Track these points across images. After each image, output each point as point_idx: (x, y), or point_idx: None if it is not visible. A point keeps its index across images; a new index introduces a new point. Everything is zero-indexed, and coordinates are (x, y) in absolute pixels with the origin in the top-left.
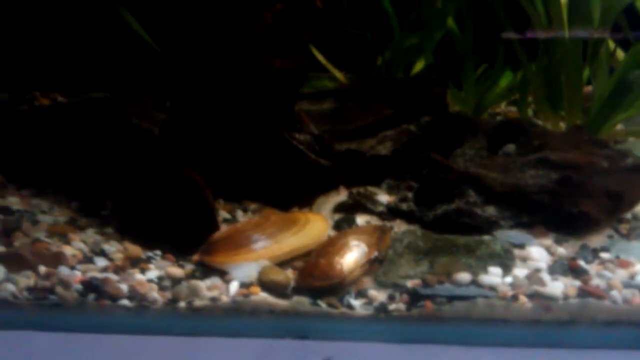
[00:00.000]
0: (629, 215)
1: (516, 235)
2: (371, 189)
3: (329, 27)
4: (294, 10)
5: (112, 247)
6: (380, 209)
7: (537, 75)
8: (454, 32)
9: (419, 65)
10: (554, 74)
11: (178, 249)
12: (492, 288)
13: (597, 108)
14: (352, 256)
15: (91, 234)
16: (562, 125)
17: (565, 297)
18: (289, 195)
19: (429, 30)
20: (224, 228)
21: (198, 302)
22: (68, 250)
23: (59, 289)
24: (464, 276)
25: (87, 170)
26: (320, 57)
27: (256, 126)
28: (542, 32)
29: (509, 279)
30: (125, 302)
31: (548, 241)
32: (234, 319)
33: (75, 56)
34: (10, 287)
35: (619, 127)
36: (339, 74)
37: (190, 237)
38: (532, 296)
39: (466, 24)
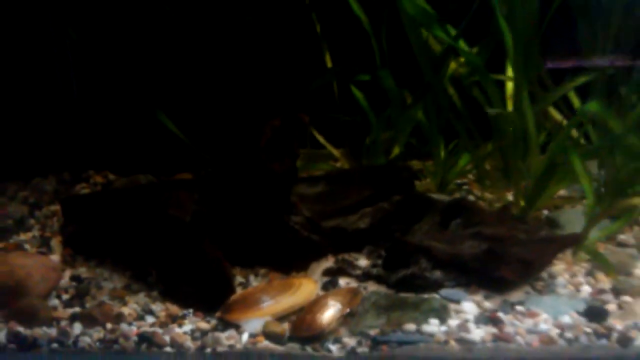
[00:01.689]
0: (545, 275)
1: (455, 293)
2: (354, 254)
3: (325, 113)
4: (287, 124)
5: (157, 307)
6: (358, 272)
7: (492, 154)
8: (422, 123)
9: (396, 150)
10: (503, 155)
11: (205, 308)
12: (431, 335)
13: (532, 184)
14: (330, 313)
15: (141, 297)
16: (510, 194)
17: (483, 341)
18: (289, 262)
19: (398, 127)
20: (239, 290)
21: (220, 349)
22: (125, 310)
23: (121, 340)
24: (411, 326)
25: (137, 246)
26: (320, 138)
27: (262, 212)
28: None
29: (444, 328)
30: (168, 349)
31: (479, 297)
32: None
33: (124, 140)
34: (87, 339)
35: (562, 192)
36: (335, 151)
37: (213, 299)
38: (459, 341)
39: (430, 114)
